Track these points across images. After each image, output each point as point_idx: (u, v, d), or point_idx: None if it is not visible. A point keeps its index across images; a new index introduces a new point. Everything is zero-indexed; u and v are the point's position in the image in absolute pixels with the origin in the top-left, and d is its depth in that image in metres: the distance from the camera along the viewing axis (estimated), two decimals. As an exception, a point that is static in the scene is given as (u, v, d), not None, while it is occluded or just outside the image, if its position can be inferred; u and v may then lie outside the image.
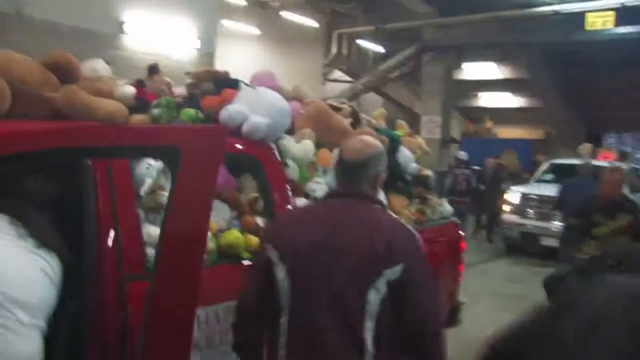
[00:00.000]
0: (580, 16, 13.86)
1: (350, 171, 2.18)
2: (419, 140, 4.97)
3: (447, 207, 4.69)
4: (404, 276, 1.97)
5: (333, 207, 2.17)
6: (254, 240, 2.89)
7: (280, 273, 2.05)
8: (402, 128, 5.04)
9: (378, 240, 2.00)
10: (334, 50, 19.69)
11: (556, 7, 13.79)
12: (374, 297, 1.96)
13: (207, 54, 9.43)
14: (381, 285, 1.96)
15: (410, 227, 2.18)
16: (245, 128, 3.10)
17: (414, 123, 19.22)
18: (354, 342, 1.97)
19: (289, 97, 4.11)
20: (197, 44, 9.19)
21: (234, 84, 3.49)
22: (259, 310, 2.13)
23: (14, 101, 2.79)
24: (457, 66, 20.53)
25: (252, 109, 3.16)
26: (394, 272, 1.96)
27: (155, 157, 2.30)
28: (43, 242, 1.94)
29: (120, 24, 8.15)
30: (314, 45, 19.20)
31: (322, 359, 1.99)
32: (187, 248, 2.03)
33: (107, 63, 3.45)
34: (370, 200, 2.19)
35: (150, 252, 2.34)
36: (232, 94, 3.32)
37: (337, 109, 4.24)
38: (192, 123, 3.07)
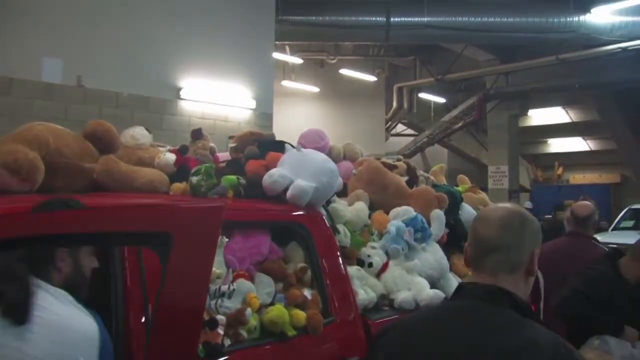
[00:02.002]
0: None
1: (581, 221, 4.16)
2: (483, 195, 4.64)
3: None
4: None
5: (576, 240, 4.19)
6: (300, 315, 2.63)
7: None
8: (464, 183, 4.74)
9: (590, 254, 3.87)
10: (394, 104, 19.55)
11: (623, 44, 13.16)
12: None
13: (265, 114, 9.43)
14: None
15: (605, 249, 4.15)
16: (290, 193, 2.89)
17: (482, 174, 18.76)
18: None
19: (340, 157, 3.92)
20: (254, 105, 9.20)
21: (279, 147, 3.32)
22: None
23: (53, 174, 2.71)
24: (523, 113, 20.03)
25: (297, 173, 2.95)
26: None
27: (140, 245, 2.08)
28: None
29: (178, 89, 8.24)
30: (374, 99, 19.14)
31: None
32: (177, 348, 1.77)
33: (148, 130, 3.36)
34: (590, 238, 4.25)
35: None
36: (276, 157, 3.14)
37: (392, 167, 3.99)
38: (233, 189, 2.89)
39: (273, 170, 2.97)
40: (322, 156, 3.18)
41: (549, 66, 15.05)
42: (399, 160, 4.32)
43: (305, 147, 3.35)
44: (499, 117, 18.34)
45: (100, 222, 1.69)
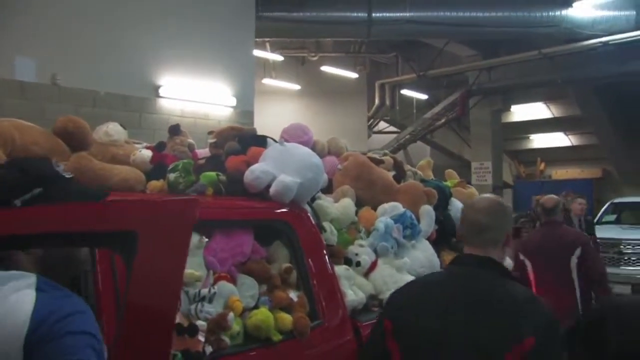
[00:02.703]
0: (632, 45, 13.17)
1: (549, 211, 5.02)
2: (472, 190, 4.52)
3: (507, 262, 4.22)
4: (584, 253, 4.71)
5: (550, 227, 4.99)
6: (286, 318, 2.48)
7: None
8: (452, 178, 4.62)
9: (568, 238, 4.90)
10: (376, 101, 19.42)
11: (604, 39, 13.17)
12: (574, 261, 4.70)
13: (246, 111, 9.26)
14: (575, 257, 4.70)
15: (582, 233, 5.68)
16: (273, 190, 2.73)
17: (465, 170, 18.72)
18: (569, 283, 4.68)
19: (324, 152, 3.78)
20: (235, 102, 9.03)
21: (261, 141, 3.16)
22: None
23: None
24: (506, 109, 20.00)
25: (281, 168, 2.79)
26: (579, 251, 4.71)
27: (99, 246, 1.91)
28: None
29: (157, 88, 8.04)
30: (356, 97, 18.99)
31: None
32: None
33: (123, 126, 3.19)
34: (562, 223, 5.18)
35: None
36: (258, 152, 2.98)
37: (378, 162, 3.86)
38: (213, 187, 2.74)
39: (255, 166, 2.81)
40: (306, 150, 3.02)
41: (531, 61, 15.03)
42: (385, 155, 4.18)
43: (288, 142, 3.20)
44: (481, 113, 18.30)
45: (49, 221, 1.51)
